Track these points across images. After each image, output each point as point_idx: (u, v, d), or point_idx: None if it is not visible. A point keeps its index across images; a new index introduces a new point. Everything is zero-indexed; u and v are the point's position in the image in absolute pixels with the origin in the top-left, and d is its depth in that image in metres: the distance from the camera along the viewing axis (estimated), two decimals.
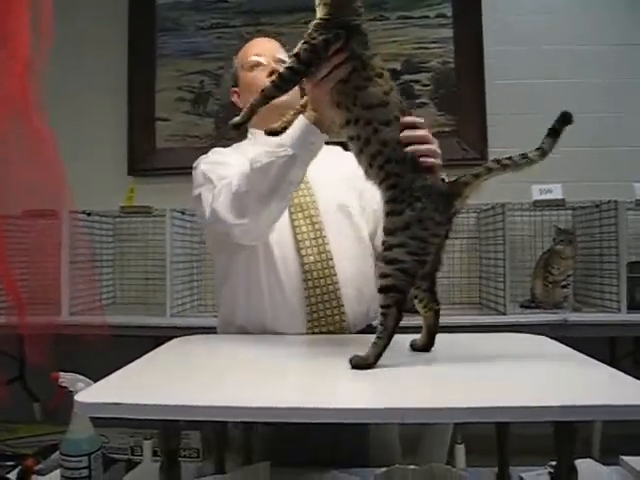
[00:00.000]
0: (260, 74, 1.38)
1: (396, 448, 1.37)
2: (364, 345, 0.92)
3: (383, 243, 0.93)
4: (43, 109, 1.12)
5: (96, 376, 0.88)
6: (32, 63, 1.03)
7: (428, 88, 2.66)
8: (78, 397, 0.75)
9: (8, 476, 1.11)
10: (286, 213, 1.27)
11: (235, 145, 1.48)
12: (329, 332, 1.26)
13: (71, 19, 2.65)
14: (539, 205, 2.28)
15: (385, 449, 1.32)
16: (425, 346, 1.03)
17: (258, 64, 1.40)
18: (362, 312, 1.30)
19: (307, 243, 1.27)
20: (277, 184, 1.11)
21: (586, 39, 2.64)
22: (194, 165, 1.37)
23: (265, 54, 1.41)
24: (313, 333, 1.25)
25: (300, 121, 1.09)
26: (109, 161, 2.77)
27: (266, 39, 1.51)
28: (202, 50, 2.76)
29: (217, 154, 1.40)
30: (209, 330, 1.45)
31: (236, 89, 1.49)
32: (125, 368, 0.92)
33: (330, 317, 1.25)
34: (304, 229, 1.28)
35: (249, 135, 1.48)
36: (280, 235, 1.26)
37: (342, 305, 1.26)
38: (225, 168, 1.28)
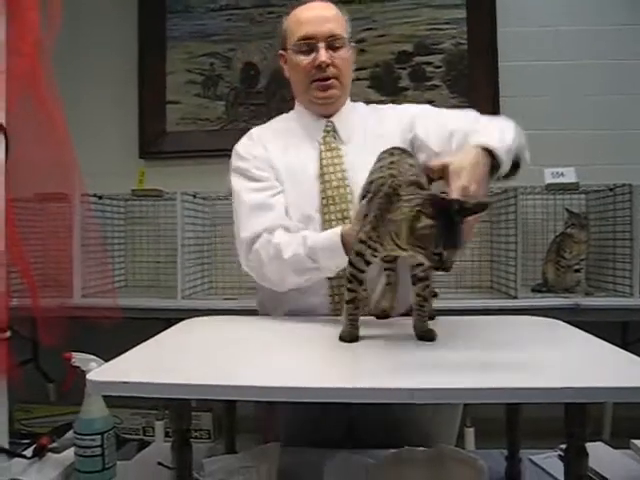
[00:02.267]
0: (306, 61, 1.32)
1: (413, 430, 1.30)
2: (376, 327, 0.92)
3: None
4: (54, 90, 1.12)
5: (108, 358, 0.89)
6: (41, 44, 1.03)
7: (440, 70, 2.63)
8: (90, 376, 0.76)
9: (24, 453, 1.13)
10: (318, 206, 1.29)
11: (280, 118, 1.47)
12: None
13: (80, 1, 2.65)
14: (552, 189, 2.25)
15: (414, 431, 1.26)
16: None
17: (306, 51, 1.33)
18: None
19: None
20: (303, 282, 1.24)
21: (601, 20, 2.59)
22: (232, 156, 1.40)
23: (316, 36, 1.31)
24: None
25: (335, 240, 1.16)
26: (120, 144, 2.78)
27: (320, 8, 1.35)
28: (212, 32, 2.74)
29: (243, 161, 1.37)
30: (220, 312, 1.46)
31: (283, 53, 1.40)
32: (136, 348, 0.93)
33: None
34: (334, 224, 1.27)
35: (295, 108, 1.45)
36: (309, 229, 1.28)
37: (366, 298, 1.25)
38: (250, 203, 1.30)
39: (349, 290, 1.00)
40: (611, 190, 2.26)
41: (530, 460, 1.14)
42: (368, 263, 1.00)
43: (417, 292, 1.01)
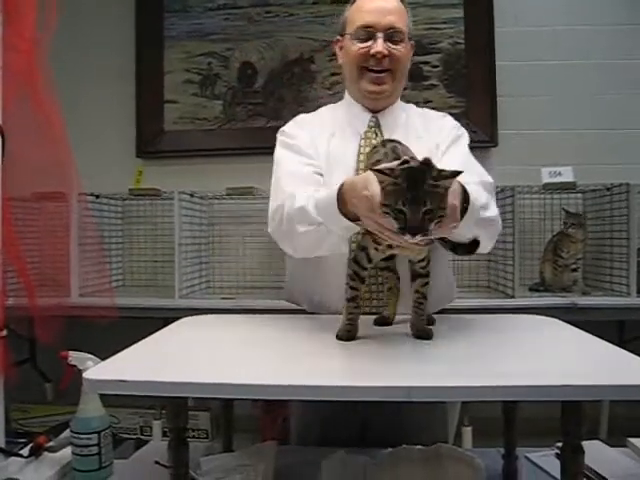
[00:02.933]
0: (362, 47, 1.29)
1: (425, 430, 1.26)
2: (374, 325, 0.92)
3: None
4: (51, 89, 1.12)
5: (106, 357, 0.89)
6: (38, 41, 1.03)
7: (438, 69, 2.62)
8: (86, 374, 0.76)
9: (20, 453, 1.13)
10: None
11: (328, 107, 1.45)
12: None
13: (79, 0, 2.64)
14: (549, 188, 2.25)
15: (425, 431, 1.24)
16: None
17: (363, 39, 1.29)
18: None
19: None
20: (317, 247, 1.14)
21: (598, 19, 2.59)
22: (278, 137, 1.38)
23: (376, 25, 1.27)
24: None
25: (334, 189, 1.04)
26: (117, 143, 2.77)
27: (384, 2, 1.30)
28: (210, 31, 2.73)
29: (292, 139, 1.34)
30: (217, 312, 1.46)
31: (339, 38, 1.37)
32: (133, 347, 0.93)
33: (367, 300, 1.23)
34: None
35: (345, 98, 1.42)
36: None
37: (381, 291, 1.24)
38: (292, 170, 1.27)
39: (351, 288, 1.00)
40: (608, 189, 2.26)
41: (527, 458, 1.14)
42: (370, 260, 0.99)
43: (416, 289, 1.00)
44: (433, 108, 1.46)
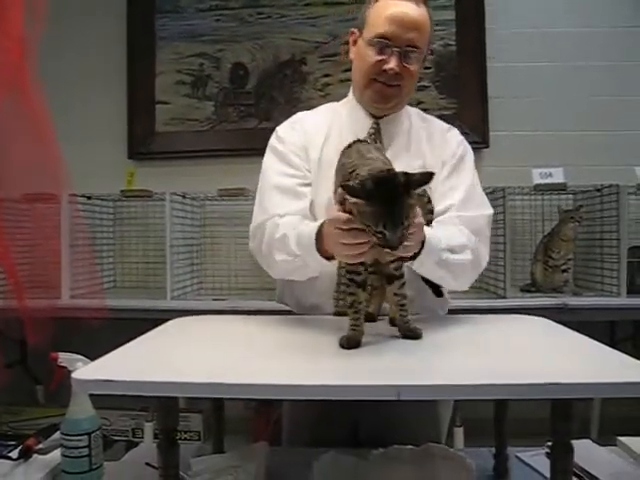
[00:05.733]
0: (375, 59, 1.25)
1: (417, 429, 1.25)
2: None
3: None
4: (40, 89, 1.11)
5: (97, 359, 0.88)
6: (27, 42, 1.02)
7: (429, 71, 2.63)
8: (75, 374, 0.75)
9: (9, 455, 1.12)
10: None
11: (329, 106, 1.42)
12: None
13: (70, 0, 2.63)
14: (540, 189, 2.26)
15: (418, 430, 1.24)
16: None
17: (379, 49, 1.25)
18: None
19: None
20: (291, 274, 1.22)
21: (589, 21, 2.61)
22: (272, 136, 1.38)
23: (394, 40, 1.23)
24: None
25: (313, 228, 1.09)
26: (109, 145, 2.76)
27: (411, 8, 1.23)
28: (201, 33, 2.73)
29: (283, 144, 1.34)
30: (209, 313, 1.45)
31: (355, 32, 1.32)
32: (122, 347, 0.93)
33: None
34: None
35: (348, 98, 1.39)
36: None
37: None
38: (277, 182, 1.29)
39: (349, 294, 0.98)
40: (599, 190, 2.27)
41: (517, 457, 1.15)
42: (364, 264, 0.98)
43: (394, 292, 1.00)
44: (425, 110, 1.46)
